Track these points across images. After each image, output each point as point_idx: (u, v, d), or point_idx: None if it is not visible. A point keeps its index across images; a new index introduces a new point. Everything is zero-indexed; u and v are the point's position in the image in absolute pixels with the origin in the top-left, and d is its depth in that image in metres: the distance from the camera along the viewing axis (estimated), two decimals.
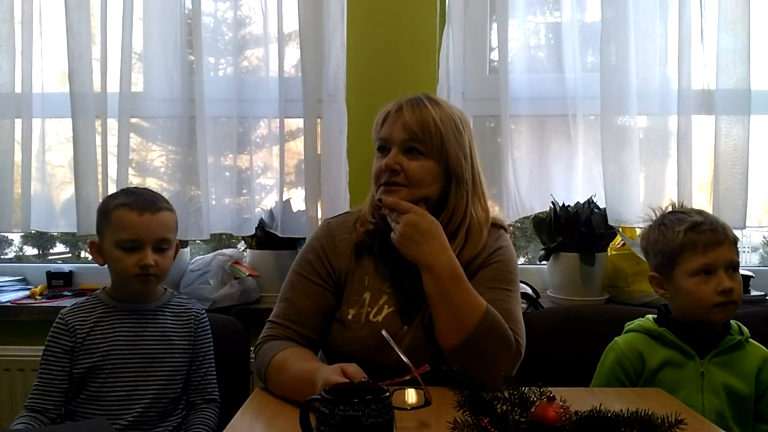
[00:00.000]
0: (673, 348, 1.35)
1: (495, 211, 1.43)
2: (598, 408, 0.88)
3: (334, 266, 1.35)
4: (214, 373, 1.50)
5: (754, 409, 1.34)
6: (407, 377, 1.05)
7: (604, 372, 1.39)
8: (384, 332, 1.14)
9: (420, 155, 1.27)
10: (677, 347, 1.35)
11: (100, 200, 1.88)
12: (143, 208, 1.38)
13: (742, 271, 1.88)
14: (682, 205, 1.50)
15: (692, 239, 1.34)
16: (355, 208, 1.44)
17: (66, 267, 2.17)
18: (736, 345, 1.35)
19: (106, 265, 1.43)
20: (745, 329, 1.39)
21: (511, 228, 1.50)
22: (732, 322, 1.38)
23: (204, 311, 1.53)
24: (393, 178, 1.28)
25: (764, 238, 2.47)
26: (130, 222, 1.37)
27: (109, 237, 1.39)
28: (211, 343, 1.51)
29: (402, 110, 1.29)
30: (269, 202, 2.03)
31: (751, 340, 1.38)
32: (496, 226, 1.40)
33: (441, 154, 1.28)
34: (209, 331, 1.51)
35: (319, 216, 1.89)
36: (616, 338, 1.42)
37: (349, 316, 1.31)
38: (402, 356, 1.08)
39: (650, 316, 1.43)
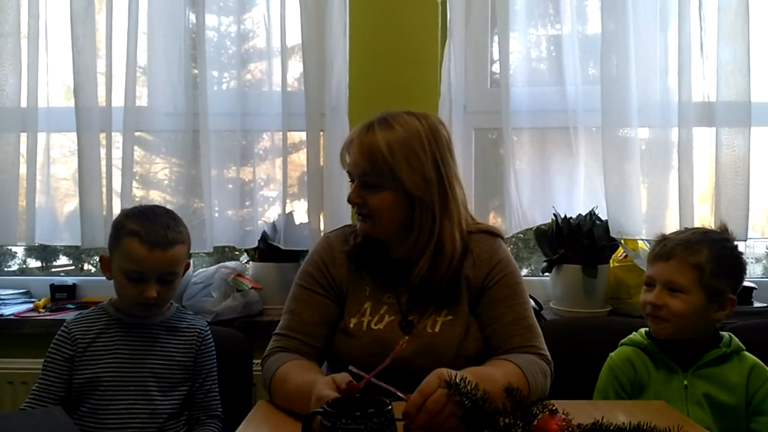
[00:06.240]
0: (658, 361, 1.37)
1: (497, 222, 1.42)
2: (600, 421, 0.88)
3: (335, 277, 1.36)
4: (218, 389, 1.49)
5: (750, 428, 1.32)
6: (386, 361, 1.01)
7: (601, 386, 1.40)
8: (351, 368, 1.06)
9: (377, 187, 1.28)
10: (662, 360, 1.37)
11: (104, 213, 1.90)
12: (154, 243, 1.34)
13: (744, 283, 1.89)
14: (723, 228, 1.42)
15: (650, 251, 1.40)
16: None
17: (69, 280, 2.18)
18: (722, 357, 1.35)
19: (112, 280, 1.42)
20: (735, 341, 1.38)
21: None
22: (725, 334, 1.39)
23: (208, 328, 1.51)
24: (360, 210, 1.31)
25: (767, 248, 2.46)
26: (138, 256, 1.34)
27: (117, 261, 1.38)
28: (215, 361, 1.50)
29: (353, 143, 1.30)
30: (272, 214, 2.03)
31: (744, 352, 1.37)
32: (493, 234, 1.39)
33: (395, 183, 1.26)
34: (213, 349, 1.50)
35: (322, 228, 1.90)
36: (611, 354, 1.44)
37: (351, 325, 1.32)
38: (379, 382, 1.01)
39: (642, 330, 1.44)
